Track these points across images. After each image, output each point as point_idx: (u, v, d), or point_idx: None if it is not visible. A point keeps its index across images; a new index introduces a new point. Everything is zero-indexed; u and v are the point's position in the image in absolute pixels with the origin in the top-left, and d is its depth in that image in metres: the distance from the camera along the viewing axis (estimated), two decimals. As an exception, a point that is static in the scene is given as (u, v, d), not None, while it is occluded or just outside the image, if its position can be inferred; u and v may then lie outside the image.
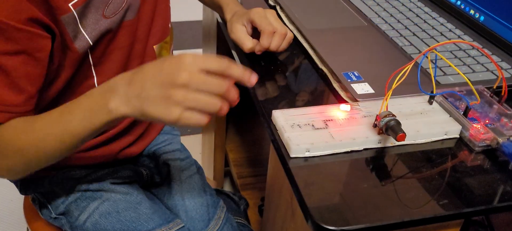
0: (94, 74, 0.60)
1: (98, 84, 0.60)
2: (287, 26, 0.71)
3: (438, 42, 0.69)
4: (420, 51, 0.66)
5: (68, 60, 0.55)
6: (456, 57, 0.65)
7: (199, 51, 1.56)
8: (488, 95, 0.57)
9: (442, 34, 0.71)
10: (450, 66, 0.61)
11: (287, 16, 0.74)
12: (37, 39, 0.49)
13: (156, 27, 0.65)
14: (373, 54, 0.66)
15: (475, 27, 0.73)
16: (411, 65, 0.50)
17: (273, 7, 0.78)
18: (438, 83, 0.59)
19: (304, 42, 0.68)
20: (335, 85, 0.59)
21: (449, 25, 0.74)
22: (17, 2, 0.46)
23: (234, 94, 0.45)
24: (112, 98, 0.46)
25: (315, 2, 0.80)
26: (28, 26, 0.47)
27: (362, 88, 0.57)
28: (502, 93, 0.55)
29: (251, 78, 0.46)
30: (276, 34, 0.62)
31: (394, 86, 0.50)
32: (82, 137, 0.49)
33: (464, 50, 0.67)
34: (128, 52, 0.62)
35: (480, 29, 0.72)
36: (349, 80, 0.58)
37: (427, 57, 0.55)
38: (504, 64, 0.65)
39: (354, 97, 0.55)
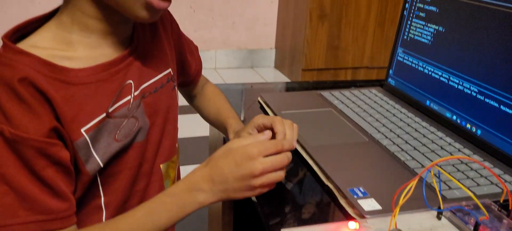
0: (102, 194, 0.60)
1: (105, 205, 0.60)
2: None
3: (440, 155, 0.71)
4: (423, 166, 0.67)
5: (79, 183, 0.56)
6: (458, 170, 0.66)
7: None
8: (496, 209, 0.57)
9: (442, 148, 0.73)
10: (454, 180, 0.61)
11: (290, 133, 0.76)
12: (62, 150, 0.52)
13: (164, 147, 0.67)
14: (377, 169, 0.67)
15: (474, 140, 0.75)
16: (416, 181, 0.51)
17: (276, 125, 0.81)
18: (444, 197, 0.59)
19: (308, 159, 0.69)
20: (342, 201, 0.59)
21: (448, 139, 0.76)
22: (40, 121, 0.49)
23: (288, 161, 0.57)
24: (200, 194, 0.55)
25: (316, 120, 0.82)
26: (53, 139, 0.50)
27: (369, 204, 0.57)
28: (510, 208, 0.55)
29: (293, 144, 0.60)
30: (286, 124, 0.63)
31: (401, 202, 0.50)
32: (168, 227, 0.56)
33: (466, 164, 0.68)
34: (136, 172, 0.63)
35: (478, 142, 0.74)
36: (355, 196, 0.58)
37: (430, 172, 0.56)
38: (507, 177, 0.65)
39: (362, 214, 0.55)
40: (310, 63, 2.72)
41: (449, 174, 0.65)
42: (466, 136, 0.77)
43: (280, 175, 0.56)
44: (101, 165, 0.56)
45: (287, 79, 2.97)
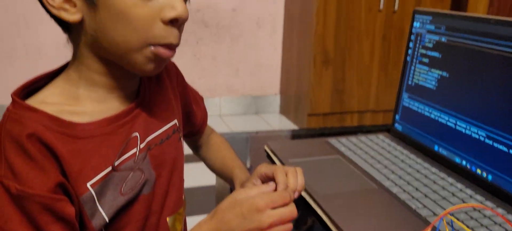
0: None
1: None
2: (299, 193, 0.73)
3: (451, 203, 0.69)
4: (435, 214, 0.66)
5: None
6: (472, 218, 0.65)
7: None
8: (513, 258, 0.55)
9: (454, 195, 0.72)
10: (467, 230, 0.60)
11: (298, 182, 0.75)
12: (67, 206, 0.51)
13: (170, 200, 0.66)
14: (388, 218, 0.65)
15: (485, 186, 0.74)
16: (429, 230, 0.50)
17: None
18: (458, 247, 0.58)
19: (317, 208, 0.68)
20: (353, 253, 0.57)
21: (459, 185, 0.75)
22: (47, 177, 0.49)
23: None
24: None
25: (324, 167, 0.82)
26: (59, 195, 0.50)
27: (381, 256, 0.55)
28: (527, 256, 0.53)
29: (300, 188, 0.61)
30: (289, 172, 0.63)
31: (415, 254, 0.49)
32: None
33: (479, 211, 0.67)
34: (142, 226, 0.62)
35: (490, 187, 0.73)
36: (367, 247, 0.57)
37: (443, 221, 0.55)
38: (522, 224, 0.64)
39: (375, 267, 0.54)
40: (315, 108, 2.73)
41: (462, 222, 0.63)
42: (477, 181, 0.76)
43: (288, 228, 0.55)
44: (107, 219, 0.55)
45: (292, 125, 2.97)
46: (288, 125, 3.00)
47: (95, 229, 0.55)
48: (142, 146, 0.59)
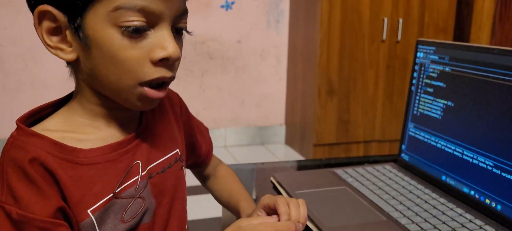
0: None
1: None
2: (307, 224, 0.72)
3: (461, 234, 0.68)
4: (444, 245, 0.65)
5: None
6: (482, 249, 0.64)
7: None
8: None
9: (463, 226, 0.71)
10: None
11: (305, 214, 0.75)
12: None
13: (172, 229, 0.65)
14: (396, 250, 0.64)
15: (494, 216, 0.73)
16: (440, 264, 0.49)
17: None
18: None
19: (325, 241, 0.67)
20: None
21: (468, 216, 0.74)
22: (47, 202, 0.50)
23: None
24: None
25: (331, 199, 0.81)
26: (59, 220, 0.50)
27: None
28: None
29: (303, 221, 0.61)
30: (291, 204, 0.62)
31: None
32: None
33: (489, 242, 0.66)
34: None
35: (500, 218, 0.72)
36: (376, 281, 0.56)
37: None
38: (534, 255, 0.63)
39: None
40: (321, 139, 2.73)
41: (473, 253, 0.62)
42: (486, 211, 0.75)
43: None
44: None
45: (298, 155, 2.96)
46: (293, 155, 2.99)
47: None
48: (143, 173, 0.59)
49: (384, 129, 2.81)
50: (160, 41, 0.53)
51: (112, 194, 0.55)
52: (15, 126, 0.55)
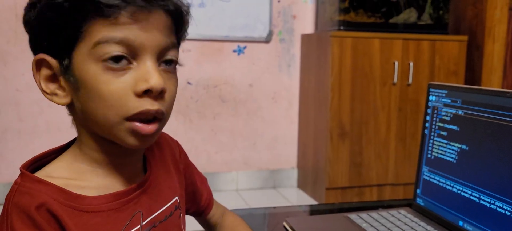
0: None
1: None
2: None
3: None
4: None
5: None
6: None
7: None
8: None
9: (483, 274, 0.69)
10: None
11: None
12: None
13: None
14: None
15: (516, 264, 0.71)
16: None
17: (304, 252, 0.78)
18: None
19: None
20: None
21: (488, 263, 0.72)
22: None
23: None
24: None
25: (326, 226, 0.80)
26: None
27: None
28: None
29: None
30: None
31: None
32: None
33: None
34: None
35: (521, 266, 0.70)
36: None
37: None
38: None
39: None
40: (333, 182, 2.69)
41: None
42: (506, 259, 0.73)
43: None
44: None
45: (310, 199, 2.92)
46: (306, 199, 2.95)
47: None
48: (144, 223, 0.59)
49: (397, 172, 2.78)
50: (143, 73, 0.53)
51: None
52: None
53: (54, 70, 0.55)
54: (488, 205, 0.77)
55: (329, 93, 2.58)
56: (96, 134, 0.57)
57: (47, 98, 0.56)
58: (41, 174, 0.55)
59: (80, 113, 0.56)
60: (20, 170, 0.55)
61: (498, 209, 0.75)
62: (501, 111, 0.76)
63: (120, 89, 0.53)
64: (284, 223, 0.90)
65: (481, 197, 0.79)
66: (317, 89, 2.75)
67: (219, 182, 2.99)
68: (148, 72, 0.53)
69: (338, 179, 2.69)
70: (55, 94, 0.56)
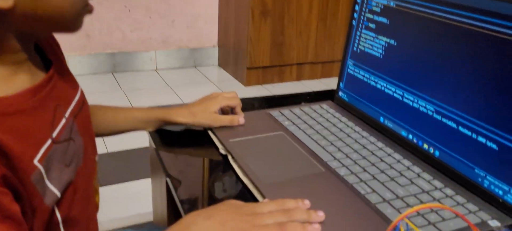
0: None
1: None
2: (242, 179, 0.67)
3: (399, 184, 0.66)
4: (384, 199, 0.62)
5: (38, 221, 0.50)
6: (421, 202, 0.62)
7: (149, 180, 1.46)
8: (465, 250, 0.53)
9: (401, 174, 0.69)
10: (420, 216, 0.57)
11: (240, 167, 0.69)
12: (13, 203, 0.46)
13: (94, 162, 0.65)
14: (336, 209, 0.61)
15: (432, 162, 0.72)
16: (385, 237, 0.46)
17: (224, 156, 0.74)
18: (410, 239, 0.55)
19: (261, 200, 0.62)
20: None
21: (406, 162, 0.72)
22: None
23: None
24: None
25: (268, 147, 0.76)
26: (3, 188, 0.44)
27: (332, 258, 0.51)
28: (480, 250, 0.51)
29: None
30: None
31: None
32: None
33: (427, 193, 0.64)
34: (86, 195, 0.61)
35: (437, 165, 0.71)
36: (316, 248, 0.52)
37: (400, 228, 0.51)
38: (471, 206, 0.62)
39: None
40: (254, 61, 2.66)
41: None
42: (423, 157, 0.73)
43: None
44: (58, 195, 0.53)
45: (231, 78, 2.89)
46: (227, 77, 2.92)
47: (49, 208, 0.52)
48: (67, 115, 0.57)
49: (317, 51, 2.79)
50: None
51: (50, 140, 0.52)
52: None
53: None
54: (410, 103, 0.76)
55: (252, -32, 2.42)
56: (25, 33, 0.51)
57: None
58: None
59: (21, 17, 0.48)
60: None
61: (421, 108, 0.74)
62: (433, 4, 0.71)
63: None
64: (203, 123, 0.84)
65: (405, 95, 0.77)
66: (239, -37, 2.57)
67: (136, 62, 2.83)
68: None
69: (259, 58, 2.66)
70: None
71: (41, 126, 0.52)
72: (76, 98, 0.62)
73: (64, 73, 0.61)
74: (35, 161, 0.49)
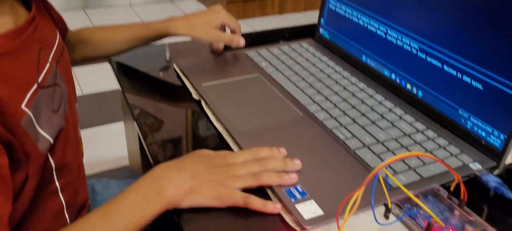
0: (57, 182, 0.55)
1: (61, 191, 0.55)
2: (216, 126, 0.63)
3: (380, 127, 0.64)
4: (363, 144, 0.60)
5: (33, 168, 0.48)
6: (402, 146, 0.60)
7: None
8: (446, 196, 0.51)
9: (382, 116, 0.66)
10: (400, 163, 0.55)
11: (214, 114, 0.65)
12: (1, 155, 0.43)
13: (75, 110, 0.63)
14: (315, 156, 0.58)
15: (415, 103, 0.69)
16: (362, 191, 0.43)
17: (198, 102, 0.69)
18: (390, 186, 0.52)
19: (236, 149, 0.59)
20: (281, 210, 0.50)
21: (388, 104, 0.69)
22: None
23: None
24: (165, 182, 0.49)
25: (243, 92, 0.72)
26: None
27: (309, 209, 0.48)
28: (462, 197, 0.49)
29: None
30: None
31: (346, 218, 0.42)
32: None
33: (409, 136, 0.62)
34: (76, 147, 0.60)
35: (420, 105, 0.68)
36: (293, 200, 0.50)
37: (379, 177, 0.48)
38: (453, 149, 0.60)
39: (302, 225, 0.47)
40: (234, -5, 2.56)
41: (394, 178, 0.58)
42: (406, 97, 0.70)
43: (270, 175, 0.51)
44: (51, 141, 0.51)
45: (210, 12, 2.79)
46: (206, 13, 2.81)
47: (43, 153, 0.50)
48: (50, 59, 0.55)
49: (299, -18, 2.69)
50: None
51: (36, 84, 0.50)
52: None
53: None
54: (394, 41, 0.72)
55: None
56: None
57: None
58: None
59: None
60: None
61: (405, 46, 0.70)
62: None
63: None
64: (175, 66, 0.79)
65: (388, 31, 0.73)
66: None
67: (109, -3, 2.70)
68: None
69: (239, -8, 2.56)
70: None
71: (26, 69, 0.50)
72: (56, 42, 0.59)
73: (44, 17, 0.58)
74: (23, 106, 0.47)
